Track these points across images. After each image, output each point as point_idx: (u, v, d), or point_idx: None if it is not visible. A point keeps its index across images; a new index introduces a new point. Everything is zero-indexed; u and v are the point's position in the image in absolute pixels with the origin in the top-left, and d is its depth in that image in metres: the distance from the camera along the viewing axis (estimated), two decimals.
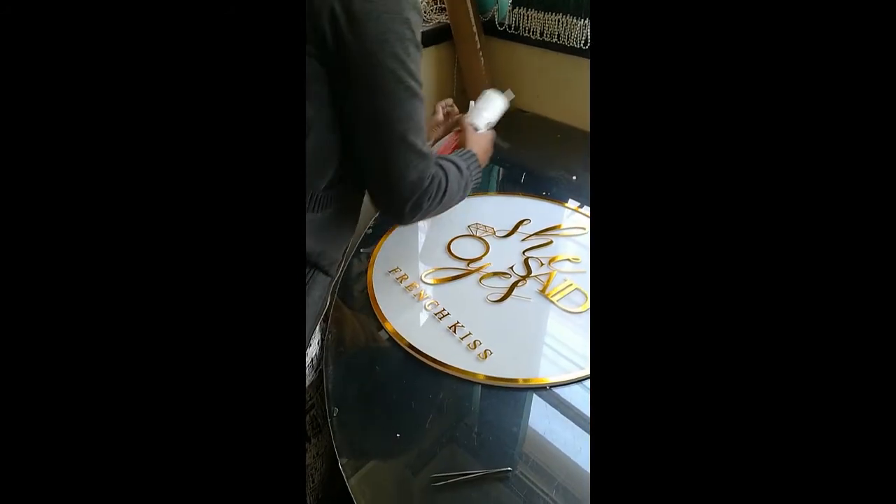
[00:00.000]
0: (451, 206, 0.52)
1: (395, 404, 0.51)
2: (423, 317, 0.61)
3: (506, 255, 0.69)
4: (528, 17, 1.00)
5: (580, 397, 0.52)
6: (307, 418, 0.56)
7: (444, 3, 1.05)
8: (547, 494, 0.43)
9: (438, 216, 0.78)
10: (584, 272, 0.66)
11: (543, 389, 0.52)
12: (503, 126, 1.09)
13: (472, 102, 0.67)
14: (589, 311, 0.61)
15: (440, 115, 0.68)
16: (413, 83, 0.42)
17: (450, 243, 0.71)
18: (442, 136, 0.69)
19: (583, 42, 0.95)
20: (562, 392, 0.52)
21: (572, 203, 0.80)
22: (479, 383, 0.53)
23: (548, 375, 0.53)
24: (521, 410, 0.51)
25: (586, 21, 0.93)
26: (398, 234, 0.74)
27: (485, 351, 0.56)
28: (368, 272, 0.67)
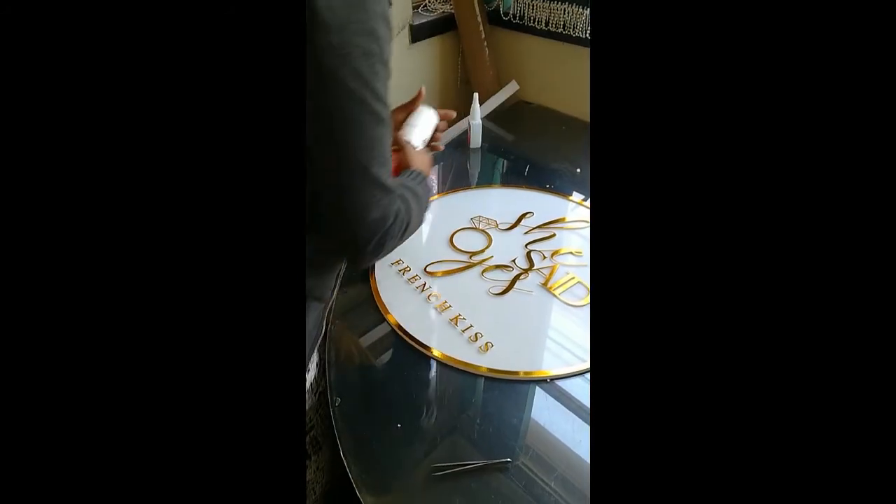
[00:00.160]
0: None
1: (397, 396, 0.52)
2: (426, 309, 0.61)
3: (508, 248, 0.69)
4: (533, 6, 0.99)
5: (582, 390, 0.52)
6: (307, 438, 0.55)
7: None
8: (547, 484, 0.43)
9: (440, 210, 0.79)
10: (586, 266, 0.66)
11: (545, 382, 0.52)
12: (507, 118, 1.08)
13: (410, 119, 0.57)
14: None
15: (420, 145, 0.59)
16: (379, 106, 0.35)
17: (452, 236, 0.71)
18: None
19: (589, 32, 0.93)
20: (564, 385, 0.52)
21: (576, 196, 0.79)
22: (481, 376, 0.53)
23: (550, 368, 0.53)
24: (523, 403, 0.51)
25: None
26: None
27: (486, 343, 0.56)
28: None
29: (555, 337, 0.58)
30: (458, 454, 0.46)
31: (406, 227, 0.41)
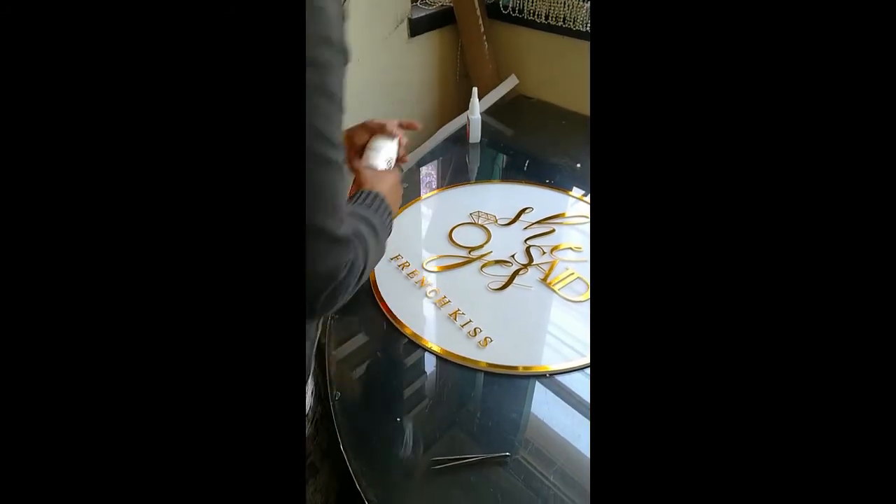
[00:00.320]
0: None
1: (396, 390, 0.52)
2: (425, 304, 0.61)
3: (508, 243, 0.69)
4: None
5: (582, 384, 0.52)
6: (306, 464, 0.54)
7: None
8: (546, 478, 0.44)
9: (439, 205, 0.78)
10: (586, 261, 0.66)
11: (544, 377, 0.52)
12: (507, 112, 1.08)
13: (370, 143, 0.54)
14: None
15: (381, 164, 0.53)
16: (325, 148, 0.29)
17: (451, 231, 0.71)
18: None
19: (589, 25, 0.92)
20: (563, 379, 0.52)
21: (576, 191, 0.79)
22: (480, 371, 0.53)
23: (549, 363, 0.53)
24: (522, 397, 0.51)
25: None
26: (400, 221, 0.74)
27: (485, 338, 0.56)
28: None
29: (554, 332, 0.58)
30: (458, 448, 0.46)
31: (363, 271, 0.35)
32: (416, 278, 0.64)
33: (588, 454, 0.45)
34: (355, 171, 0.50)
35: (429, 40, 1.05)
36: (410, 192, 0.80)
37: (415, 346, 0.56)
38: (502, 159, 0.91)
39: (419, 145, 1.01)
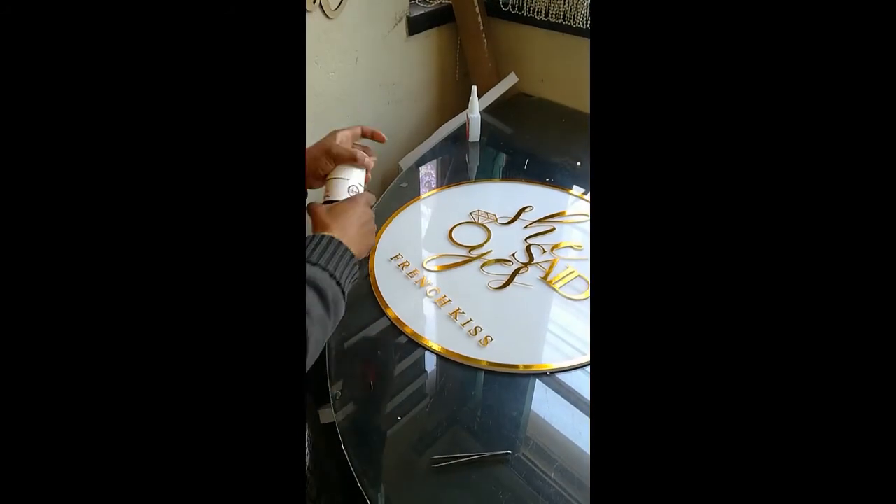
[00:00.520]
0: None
1: (397, 390, 0.52)
2: (425, 303, 0.61)
3: (508, 241, 0.69)
4: None
5: (582, 382, 0.52)
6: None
7: None
8: (547, 475, 0.44)
9: (439, 204, 0.78)
10: (586, 259, 0.65)
11: (545, 375, 0.52)
12: (506, 111, 1.08)
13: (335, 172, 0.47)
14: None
15: (343, 192, 0.47)
16: None
17: (451, 230, 0.71)
18: None
19: (589, 22, 0.92)
20: (564, 377, 0.52)
21: (577, 189, 0.79)
22: (481, 369, 0.53)
23: (550, 361, 0.53)
24: (523, 395, 0.51)
25: None
26: (400, 221, 0.74)
27: (486, 337, 0.56)
28: (370, 259, 0.67)
29: (554, 330, 0.58)
30: (459, 446, 0.46)
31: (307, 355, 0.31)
32: (416, 278, 0.64)
33: (588, 451, 0.45)
34: (309, 211, 0.43)
35: (427, 38, 1.04)
36: (410, 192, 0.80)
37: (415, 345, 0.56)
38: (502, 158, 0.91)
39: (418, 144, 1.01)
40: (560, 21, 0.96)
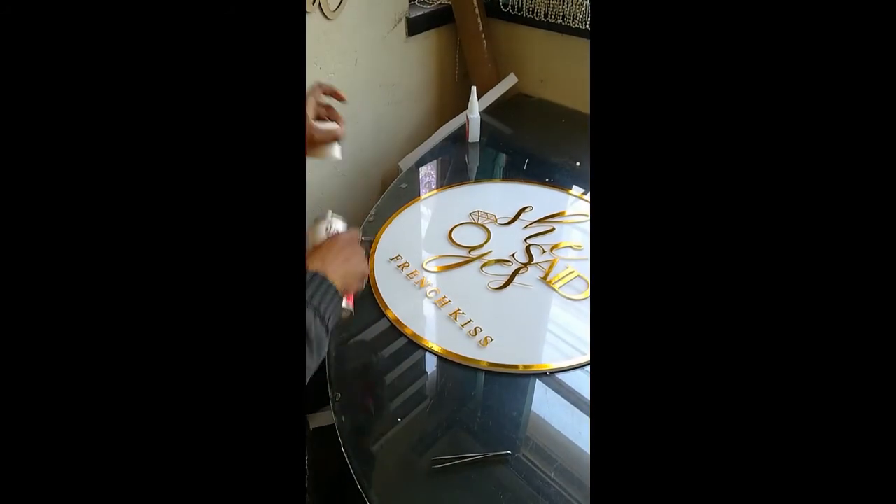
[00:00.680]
0: None
1: (397, 391, 0.52)
2: (425, 304, 0.61)
3: (507, 242, 0.69)
4: None
5: (582, 382, 0.52)
6: None
7: None
8: (547, 475, 0.44)
9: (438, 205, 0.78)
10: (586, 259, 0.65)
11: (545, 375, 0.52)
12: (506, 111, 1.08)
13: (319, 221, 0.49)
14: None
15: (322, 234, 0.48)
16: None
17: (451, 231, 0.71)
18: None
19: (589, 23, 0.92)
20: (564, 377, 0.52)
21: (576, 190, 0.79)
22: (481, 370, 0.53)
23: (550, 361, 0.53)
24: (523, 396, 0.51)
25: None
26: (400, 222, 0.74)
27: (486, 338, 0.56)
28: (370, 260, 0.67)
29: (554, 330, 0.58)
30: (460, 447, 0.46)
31: None
32: (416, 278, 0.64)
33: (588, 451, 0.45)
34: None
35: (427, 39, 1.04)
36: (410, 193, 0.80)
37: (415, 346, 0.56)
38: (502, 158, 0.91)
39: (418, 145, 1.01)
40: (560, 22, 0.96)
